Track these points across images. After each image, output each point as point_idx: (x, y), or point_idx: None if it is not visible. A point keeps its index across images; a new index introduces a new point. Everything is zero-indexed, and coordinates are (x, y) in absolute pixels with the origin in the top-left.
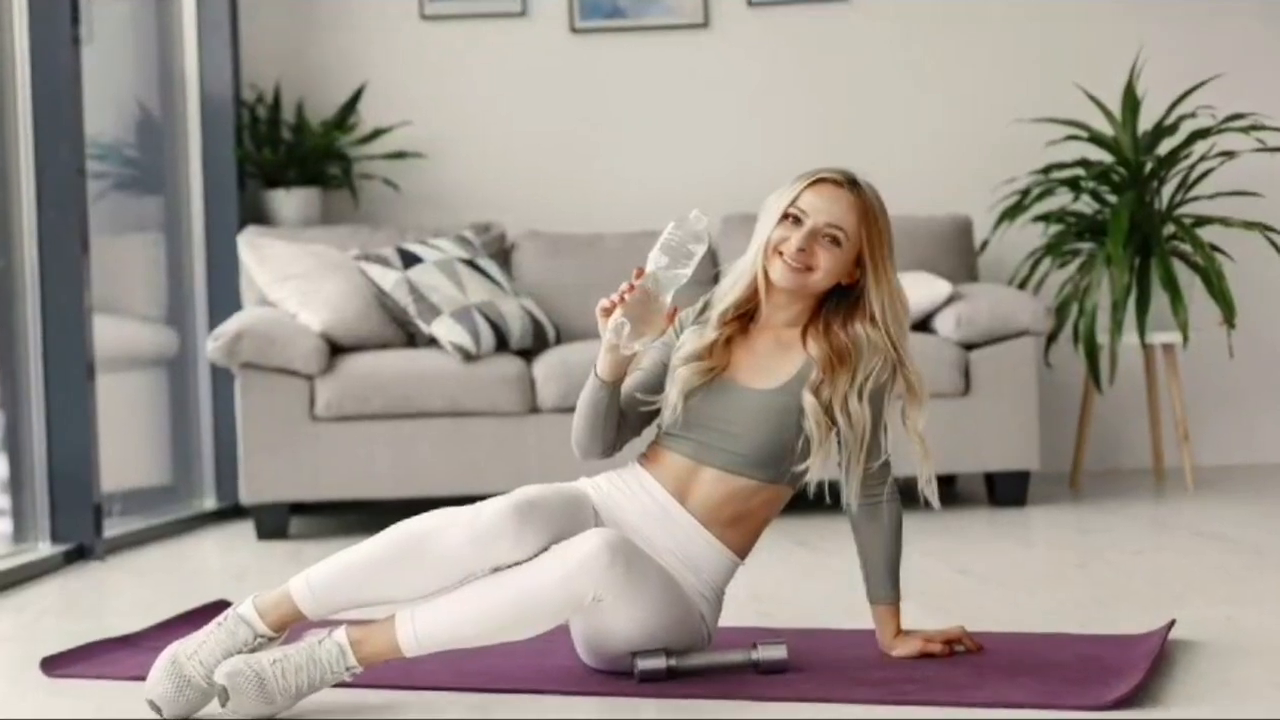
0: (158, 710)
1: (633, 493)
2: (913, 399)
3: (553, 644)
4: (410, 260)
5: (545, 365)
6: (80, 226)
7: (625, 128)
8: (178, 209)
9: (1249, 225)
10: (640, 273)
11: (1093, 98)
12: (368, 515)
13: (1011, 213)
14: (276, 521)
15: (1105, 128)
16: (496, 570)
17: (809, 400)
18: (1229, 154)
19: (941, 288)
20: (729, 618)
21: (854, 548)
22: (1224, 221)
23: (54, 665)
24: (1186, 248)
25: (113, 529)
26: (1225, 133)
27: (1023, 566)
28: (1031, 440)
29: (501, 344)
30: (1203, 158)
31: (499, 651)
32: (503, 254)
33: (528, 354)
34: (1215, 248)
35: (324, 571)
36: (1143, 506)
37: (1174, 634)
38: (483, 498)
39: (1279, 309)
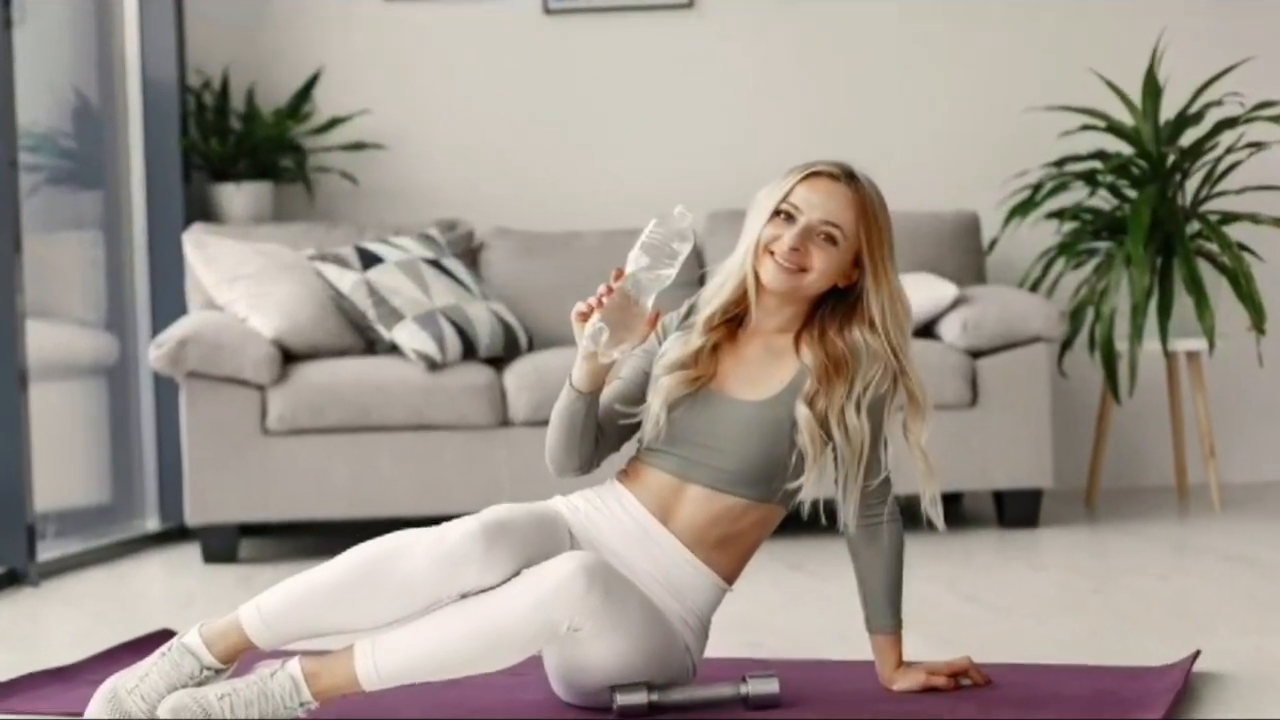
0: None
1: (611, 512)
2: (915, 411)
3: (524, 677)
4: (370, 260)
5: (517, 374)
6: (12, 224)
7: (604, 117)
8: (117, 205)
9: None
10: (619, 274)
11: (1111, 84)
12: (324, 537)
13: (1022, 209)
14: (225, 544)
15: (1124, 117)
16: (464, 597)
17: (803, 412)
18: (1258, 145)
19: (946, 290)
20: (715, 648)
21: (851, 572)
22: (1253, 218)
23: None
24: (1213, 247)
25: (47, 552)
26: (1254, 122)
27: (1034, 593)
28: (1044, 456)
29: (469, 351)
30: (1230, 149)
31: (466, 685)
32: (470, 253)
33: (498, 362)
34: (1244, 247)
35: (276, 598)
36: (1165, 528)
37: (1199, 666)
38: (449, 518)
39: None
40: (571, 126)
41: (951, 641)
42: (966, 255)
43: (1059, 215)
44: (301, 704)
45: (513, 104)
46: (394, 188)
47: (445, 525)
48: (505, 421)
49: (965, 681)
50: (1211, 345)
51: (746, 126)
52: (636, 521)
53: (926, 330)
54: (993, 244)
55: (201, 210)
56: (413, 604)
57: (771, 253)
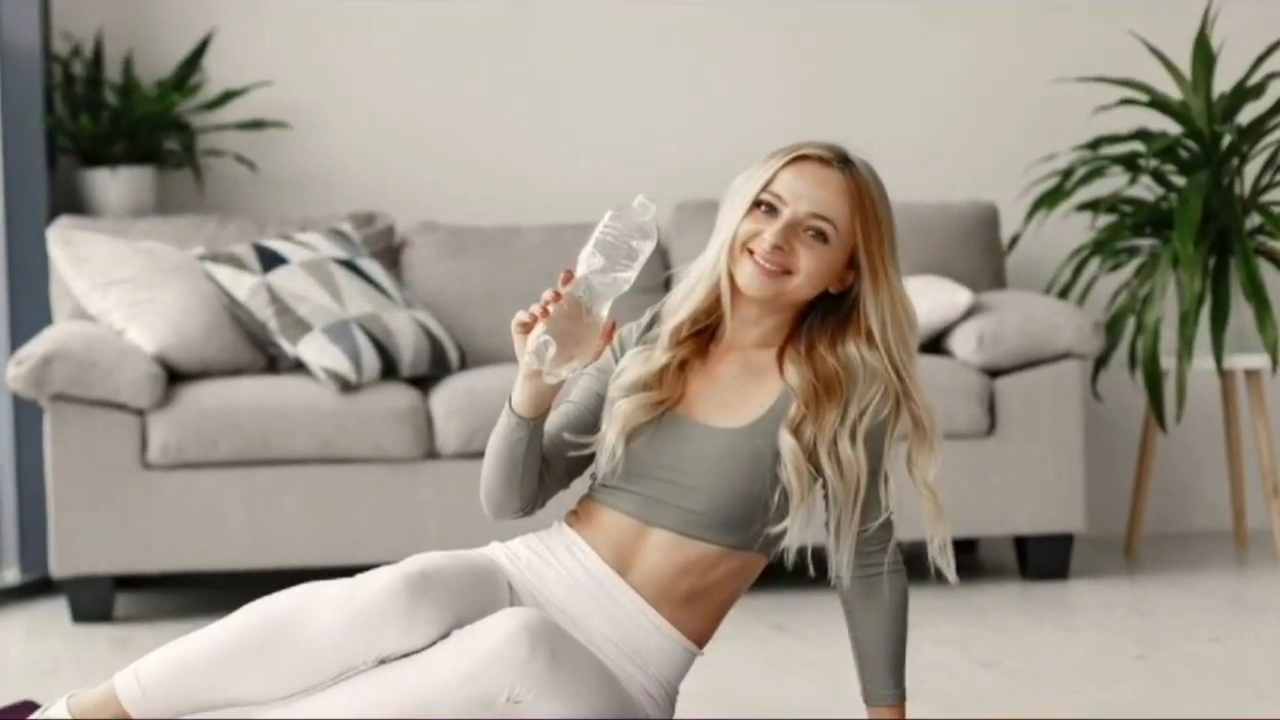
0: None
1: (559, 562)
2: (921, 441)
3: None
4: (271, 261)
5: (446, 397)
6: None
7: (551, 91)
8: None
9: None
10: (569, 277)
11: (1155, 51)
12: (216, 592)
13: (1050, 199)
14: (98, 599)
15: (1171, 89)
16: (382, 663)
17: (788, 442)
18: None
19: (959, 297)
20: None
21: (845, 633)
22: None
23: None
24: (1276, 244)
25: None
26: None
27: (1064, 657)
28: (1075, 495)
29: (389, 370)
30: None
31: None
32: (390, 252)
33: (423, 383)
34: None
35: (159, 665)
36: (1220, 580)
37: None
38: (365, 568)
39: None
40: (512, 102)
41: (965, 714)
42: (983, 255)
43: (1093, 207)
44: None
45: (442, 75)
46: (299, 174)
47: (360, 577)
48: (432, 453)
49: None
50: (1275, 363)
51: (720, 102)
52: (589, 573)
53: (935, 344)
54: (1014, 241)
55: (70, 201)
56: (321, 671)
57: (750, 251)
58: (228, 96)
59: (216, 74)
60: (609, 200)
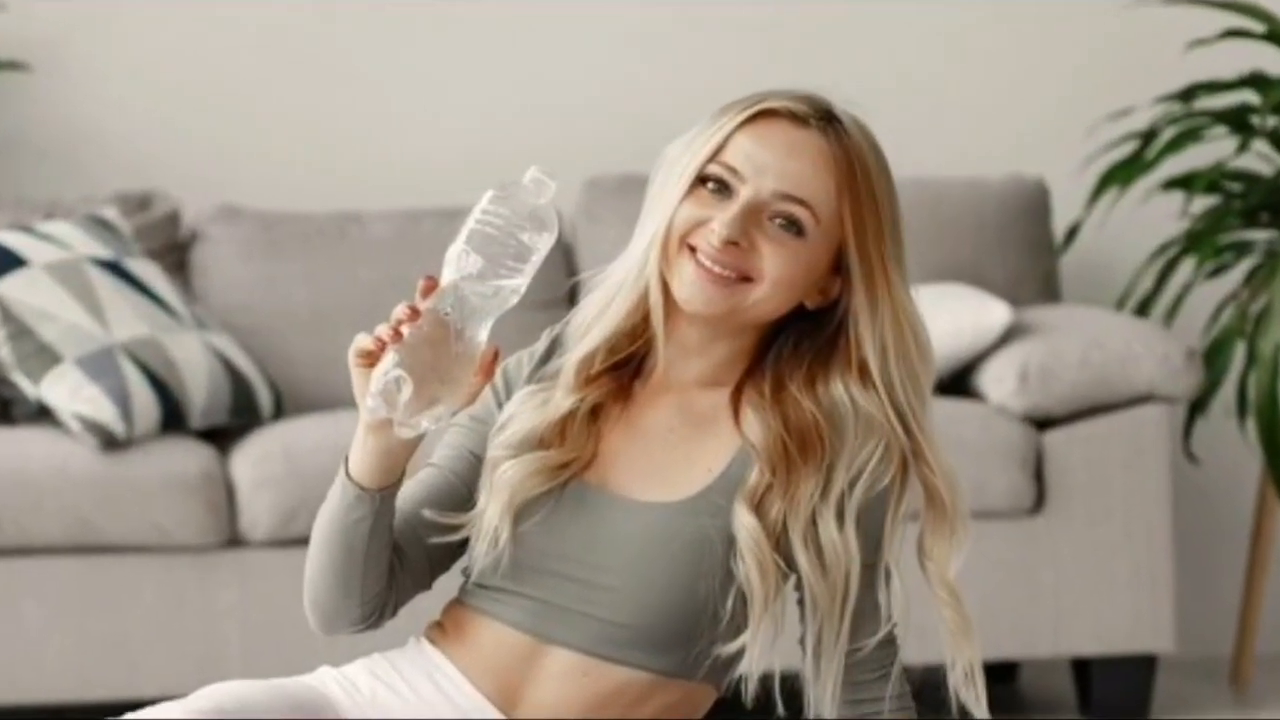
0: None
1: (416, 694)
2: (938, 521)
3: None
4: (3, 263)
5: (255, 459)
6: None
7: (401, 24)
8: None
9: None
10: (431, 285)
11: None
12: None
13: (1124, 173)
14: None
15: None
16: None
17: (747, 523)
18: None
19: (994, 314)
20: None
21: None
22: None
23: None
24: None
25: None
26: None
27: None
28: (1160, 599)
29: (173, 418)
30: None
31: None
32: (175, 250)
33: (222, 437)
34: None
35: None
36: None
37: None
38: (140, 705)
39: None
40: (347, 38)
41: None
42: (1027, 253)
43: (1185, 184)
44: None
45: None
46: (44, 137)
47: (132, 716)
48: (235, 540)
49: None
50: None
51: (650, 38)
52: (460, 709)
53: (960, 382)
54: (1072, 233)
55: None
56: None
57: (692, 249)
58: None
59: None
60: (488, 176)
